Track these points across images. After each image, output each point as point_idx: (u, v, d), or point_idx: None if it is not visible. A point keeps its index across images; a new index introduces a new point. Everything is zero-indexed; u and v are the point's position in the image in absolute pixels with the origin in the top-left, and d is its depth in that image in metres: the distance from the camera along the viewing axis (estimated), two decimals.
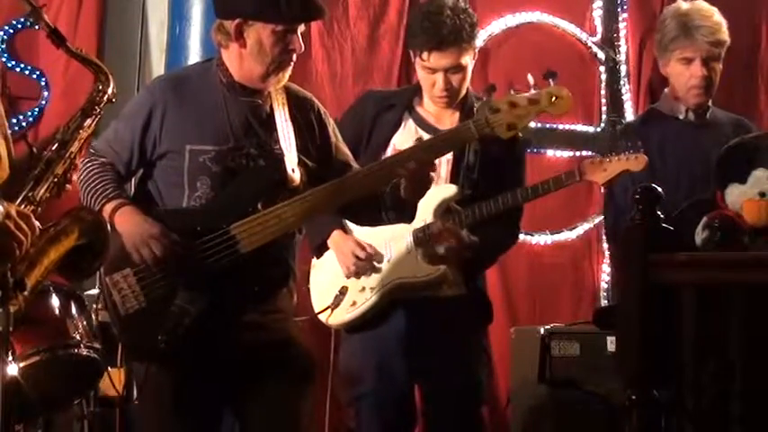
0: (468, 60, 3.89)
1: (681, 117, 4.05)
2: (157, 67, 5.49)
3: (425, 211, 3.81)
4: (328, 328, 3.98)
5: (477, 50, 3.96)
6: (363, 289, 3.85)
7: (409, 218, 3.83)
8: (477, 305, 3.97)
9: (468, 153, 3.85)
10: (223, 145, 3.29)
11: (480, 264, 3.97)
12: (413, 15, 4.05)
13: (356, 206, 3.46)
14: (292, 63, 3.34)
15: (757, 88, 5.92)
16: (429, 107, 3.98)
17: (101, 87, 2.97)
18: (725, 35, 4.01)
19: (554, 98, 3.32)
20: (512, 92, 3.32)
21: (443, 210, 3.81)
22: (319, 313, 3.85)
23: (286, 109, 3.38)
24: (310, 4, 3.30)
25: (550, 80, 3.33)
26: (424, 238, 3.81)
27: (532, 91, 3.33)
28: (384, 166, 3.43)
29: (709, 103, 4.07)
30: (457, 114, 3.94)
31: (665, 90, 4.15)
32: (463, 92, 3.94)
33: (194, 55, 5.20)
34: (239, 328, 3.28)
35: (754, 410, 2.95)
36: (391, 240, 3.85)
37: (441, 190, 3.78)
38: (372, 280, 3.85)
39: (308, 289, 3.96)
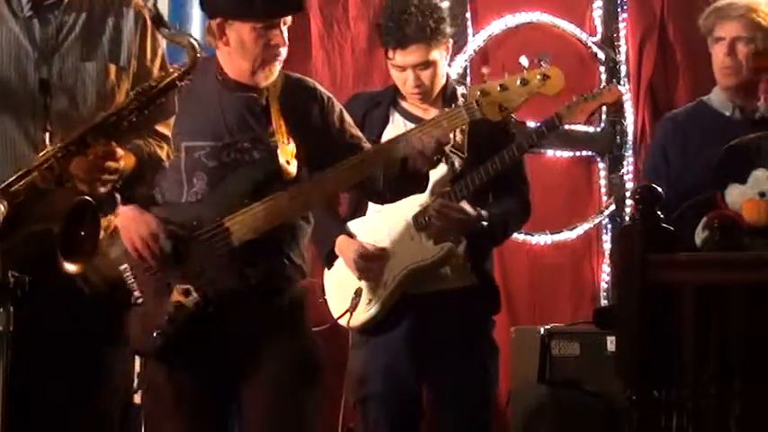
0: (438, 56, 3.89)
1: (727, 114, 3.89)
2: None
3: (419, 195, 3.80)
4: (345, 334, 3.98)
5: (450, 43, 3.96)
6: (377, 285, 3.86)
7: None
8: (486, 295, 3.97)
9: (455, 133, 3.84)
10: (218, 141, 3.31)
11: (494, 238, 3.98)
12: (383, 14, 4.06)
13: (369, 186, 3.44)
14: (280, 57, 3.35)
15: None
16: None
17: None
18: None
19: (544, 77, 3.34)
20: (506, 75, 3.35)
21: (437, 190, 3.82)
22: (338, 319, 3.85)
23: (283, 100, 3.39)
24: None
25: (542, 62, 3.35)
26: (424, 222, 3.83)
27: (525, 72, 3.34)
28: (369, 156, 3.41)
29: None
30: (440, 103, 3.95)
31: None
32: (438, 86, 3.95)
33: None
34: (237, 321, 3.27)
35: (754, 410, 2.95)
36: (392, 232, 3.86)
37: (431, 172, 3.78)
38: (384, 274, 3.85)
39: (325, 300, 3.95)
